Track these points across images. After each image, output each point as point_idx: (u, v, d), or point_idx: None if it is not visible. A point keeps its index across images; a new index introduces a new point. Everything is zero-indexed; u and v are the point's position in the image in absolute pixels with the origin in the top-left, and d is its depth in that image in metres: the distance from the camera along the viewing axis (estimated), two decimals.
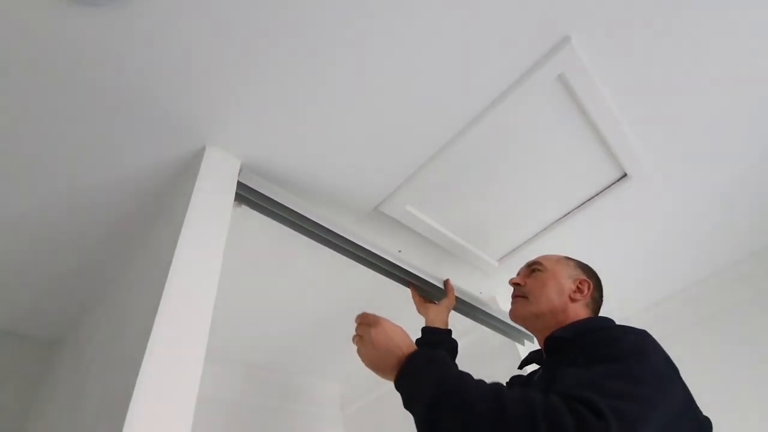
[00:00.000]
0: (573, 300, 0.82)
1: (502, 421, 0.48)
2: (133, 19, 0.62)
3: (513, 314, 0.87)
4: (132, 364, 0.56)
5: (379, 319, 0.68)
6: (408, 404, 0.57)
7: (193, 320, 0.62)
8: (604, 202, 1.17)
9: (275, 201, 0.91)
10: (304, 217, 0.94)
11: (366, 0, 0.66)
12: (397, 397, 0.58)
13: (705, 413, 0.63)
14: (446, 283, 1.16)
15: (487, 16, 0.71)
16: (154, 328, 0.57)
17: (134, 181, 0.87)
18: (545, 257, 0.93)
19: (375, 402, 1.75)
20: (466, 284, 1.39)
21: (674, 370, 0.61)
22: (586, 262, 0.91)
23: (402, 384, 0.59)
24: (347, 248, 1.05)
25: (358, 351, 0.68)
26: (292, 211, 0.93)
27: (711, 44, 0.84)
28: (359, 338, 0.68)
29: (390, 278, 1.15)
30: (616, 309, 1.79)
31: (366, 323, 0.68)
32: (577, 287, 0.83)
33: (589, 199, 1.18)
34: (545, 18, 0.74)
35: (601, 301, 0.86)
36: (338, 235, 1.01)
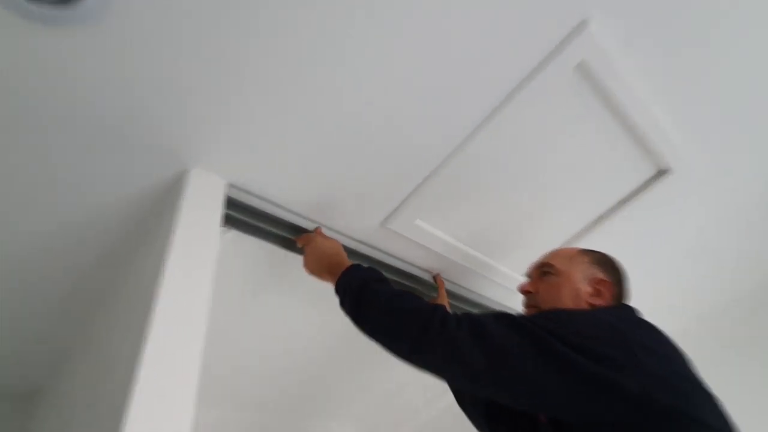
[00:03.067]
0: (592, 306, 0.70)
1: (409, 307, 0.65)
2: (105, 38, 0.56)
3: None
4: (116, 413, 0.50)
5: (314, 236, 0.86)
6: (342, 299, 0.74)
7: (182, 360, 0.55)
8: (641, 202, 1.04)
9: (265, 213, 0.84)
10: (301, 228, 0.88)
11: (361, 3, 0.58)
12: None
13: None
14: (436, 278, 1.14)
15: (492, 5, 0.63)
16: (140, 371, 0.51)
17: (113, 211, 0.81)
18: (557, 254, 0.81)
19: None
20: (488, 302, 1.27)
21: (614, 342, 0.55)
22: (603, 252, 0.78)
23: (339, 285, 0.75)
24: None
25: (304, 263, 0.86)
26: (287, 224, 0.86)
27: (753, 8, 0.72)
28: (304, 246, 0.87)
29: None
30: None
31: (306, 239, 0.88)
32: (595, 289, 0.71)
33: (623, 200, 1.05)
34: (558, 1, 0.64)
35: (625, 293, 0.75)
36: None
